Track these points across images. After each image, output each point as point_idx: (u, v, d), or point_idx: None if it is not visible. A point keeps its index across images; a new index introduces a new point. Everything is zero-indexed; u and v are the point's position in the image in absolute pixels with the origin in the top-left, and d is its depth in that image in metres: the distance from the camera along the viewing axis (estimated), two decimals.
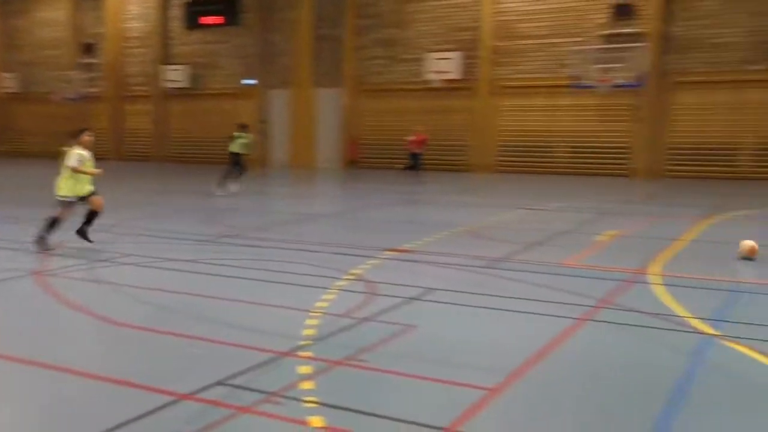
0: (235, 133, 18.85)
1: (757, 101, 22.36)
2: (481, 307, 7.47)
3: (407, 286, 8.19)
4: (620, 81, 23.53)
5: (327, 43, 28.93)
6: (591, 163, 24.66)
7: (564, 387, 5.25)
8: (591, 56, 23.96)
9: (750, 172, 22.39)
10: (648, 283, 8.47)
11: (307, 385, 5.04)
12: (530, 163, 25.63)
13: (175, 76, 32.68)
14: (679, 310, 7.25)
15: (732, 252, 10.34)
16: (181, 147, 32.96)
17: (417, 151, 22.45)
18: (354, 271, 8.87)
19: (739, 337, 6.30)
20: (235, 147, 18.64)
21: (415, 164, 22.39)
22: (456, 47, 26.72)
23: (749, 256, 9.90)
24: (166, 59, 33.00)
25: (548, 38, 25.18)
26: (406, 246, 10.71)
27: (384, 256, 9.93)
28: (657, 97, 23.60)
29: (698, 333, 6.50)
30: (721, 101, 22.89)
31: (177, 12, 32.71)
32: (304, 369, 5.37)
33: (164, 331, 6.40)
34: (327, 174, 27.25)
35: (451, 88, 26.78)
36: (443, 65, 26.70)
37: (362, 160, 28.78)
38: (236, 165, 18.51)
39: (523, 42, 25.63)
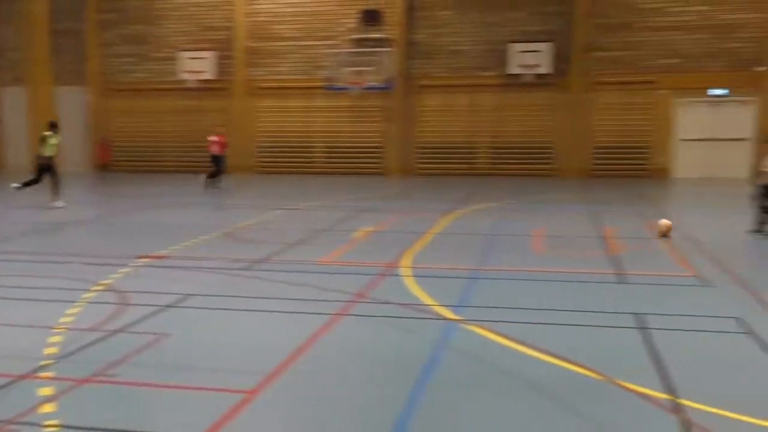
0: (46, 133, 16.06)
1: (490, 104, 24.57)
2: (238, 310, 7.42)
3: (161, 293, 7.89)
4: (371, 83, 24.59)
5: (67, 38, 26.93)
6: (347, 163, 25.51)
7: (320, 382, 5.37)
8: (343, 59, 24.77)
9: (487, 169, 24.54)
10: (399, 275, 8.94)
11: (47, 408, 4.67)
12: (289, 163, 25.90)
13: None
14: (426, 299, 7.75)
15: (473, 241, 11.28)
16: None
17: (219, 153, 20.85)
18: (104, 282, 8.36)
19: (479, 320, 6.88)
20: (47, 150, 15.87)
21: (219, 169, 20.64)
22: (210, 47, 26.23)
23: (666, 234, 11.36)
24: None
25: (302, 40, 25.62)
26: (160, 252, 10.31)
27: (137, 264, 9.48)
28: (405, 100, 25.01)
29: (443, 319, 6.99)
30: (461, 104, 24.84)
31: None
32: (45, 391, 4.96)
33: None
34: (75, 178, 25.35)
35: (206, 88, 26.24)
36: (197, 65, 26.07)
37: (115, 163, 27.21)
38: (48, 170, 15.91)
39: (278, 43, 25.82)
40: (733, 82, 22.78)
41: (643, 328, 6.58)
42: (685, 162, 23.17)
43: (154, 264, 9.54)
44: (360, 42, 25.08)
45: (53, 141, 16.14)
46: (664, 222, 11.77)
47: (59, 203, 15.75)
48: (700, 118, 23.11)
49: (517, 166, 24.26)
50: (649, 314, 7.03)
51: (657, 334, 6.41)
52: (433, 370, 5.58)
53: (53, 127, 16.37)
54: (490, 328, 6.62)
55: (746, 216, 12.71)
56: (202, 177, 20.39)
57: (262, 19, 25.84)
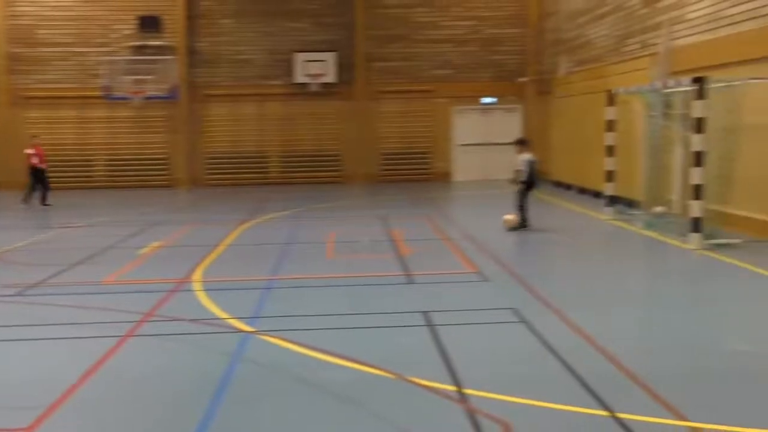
0: None
1: (278, 113, 24.61)
2: (12, 340, 6.80)
3: None
4: (153, 93, 23.62)
5: None
6: (132, 176, 24.28)
7: (107, 410, 5.07)
8: (122, 67, 23.56)
9: (279, 178, 24.54)
10: (190, 290, 8.67)
11: None
12: (66, 178, 24.07)
13: None
14: (219, 312, 7.59)
15: (267, 251, 11.23)
16: None
17: (39, 166, 18.90)
18: None
19: (273, 330, 6.86)
20: None
21: (40, 183, 18.74)
22: None
23: (513, 227, 12.52)
24: None
25: (73, 47, 24.00)
26: None
27: None
28: (190, 109, 24.31)
29: (237, 332, 6.88)
30: (249, 113, 24.62)
31: None
32: None
33: None
34: None
35: None
36: None
37: None
38: None
39: (46, 50, 23.98)
40: (501, 91, 24.67)
41: (430, 326, 6.92)
42: (464, 165, 24.70)
43: None
44: (139, 49, 24.01)
45: None
46: (508, 217, 12.77)
47: None
48: (474, 124, 24.78)
49: (308, 174, 24.50)
50: (436, 311, 7.41)
51: (443, 329, 6.77)
52: (228, 385, 5.47)
53: None
54: (284, 337, 6.62)
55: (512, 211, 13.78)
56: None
57: (25, 22, 23.88)
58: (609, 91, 13.99)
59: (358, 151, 24.59)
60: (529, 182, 12.86)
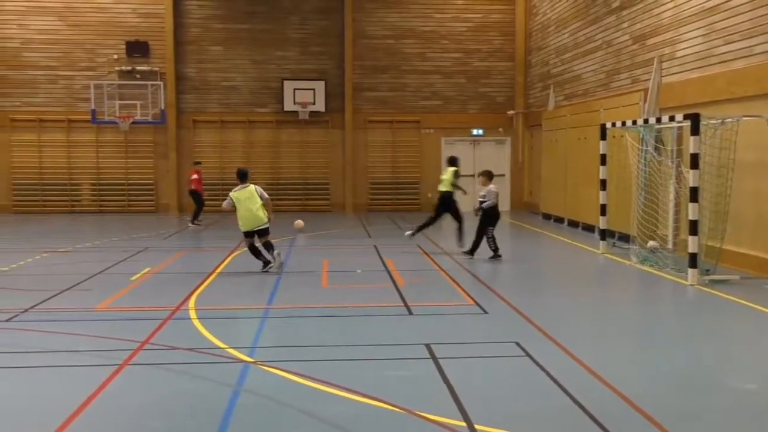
0: None
1: (266, 140, 24.55)
2: (9, 367, 6.62)
3: None
4: (140, 117, 23.51)
5: None
6: (118, 200, 24.07)
7: None
8: (109, 92, 23.46)
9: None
10: (186, 318, 8.53)
11: None
12: (53, 201, 23.86)
13: None
14: (216, 341, 7.45)
15: (260, 279, 11.10)
16: None
17: (197, 189, 19.61)
18: None
19: (274, 361, 6.73)
20: None
21: (198, 204, 19.72)
22: None
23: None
24: None
25: (60, 70, 23.87)
26: None
27: None
28: (177, 134, 24.20)
29: (237, 362, 6.75)
30: (237, 139, 24.54)
31: None
32: None
33: None
34: None
35: None
36: None
37: None
38: None
39: (32, 72, 23.81)
40: (490, 123, 24.84)
41: (435, 358, 6.83)
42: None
43: None
44: (127, 74, 23.94)
45: None
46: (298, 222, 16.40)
47: None
48: (463, 155, 24.84)
49: (296, 202, 24.41)
50: (439, 344, 7.32)
51: (448, 362, 6.68)
52: (232, 417, 5.34)
53: None
54: (285, 368, 6.49)
55: (509, 245, 13.80)
56: None
57: (11, 45, 23.73)
58: (602, 125, 14.09)
59: (346, 180, 24.58)
60: (492, 213, 13.00)
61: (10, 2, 23.58)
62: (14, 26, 23.75)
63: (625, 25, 16.26)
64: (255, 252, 11.91)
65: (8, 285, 10.74)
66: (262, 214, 11.73)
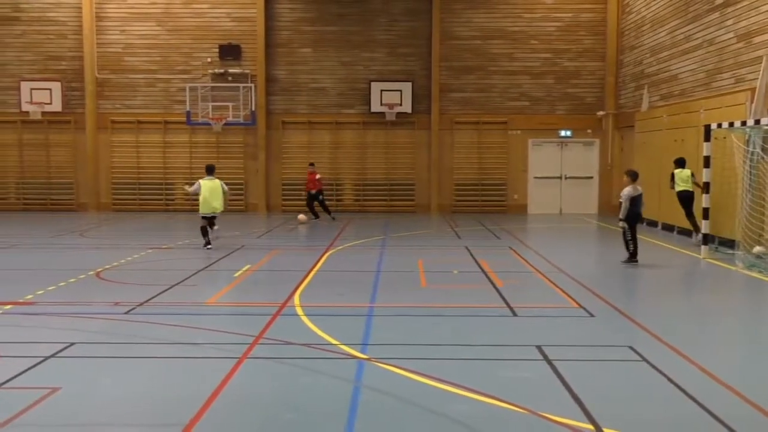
0: None
1: (352, 141, 24.80)
2: (132, 357, 6.92)
3: (40, 342, 7.22)
4: (232, 119, 24.13)
5: None
6: None
7: (246, 429, 5.07)
8: (203, 94, 24.18)
9: (352, 205, 24.65)
10: (293, 315, 8.71)
11: None
12: (148, 200, 24.77)
13: None
14: (327, 338, 7.58)
15: (358, 278, 11.23)
16: None
17: (312, 190, 21.68)
18: None
19: (388, 358, 6.81)
20: None
21: (321, 203, 21.82)
22: (56, 77, 24.71)
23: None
24: None
25: (157, 73, 24.73)
26: (27, 297, 9.44)
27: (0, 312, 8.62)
28: (267, 135, 24.72)
29: (352, 358, 6.85)
30: (324, 140, 24.88)
31: None
32: None
33: None
34: None
35: (52, 120, 24.65)
36: (41, 96, 24.45)
37: None
38: None
39: (132, 76, 24.76)
40: (578, 124, 24.42)
41: (548, 360, 6.77)
42: (538, 198, 24.46)
43: (21, 311, 8.72)
44: (219, 77, 24.62)
45: None
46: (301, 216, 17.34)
47: None
48: (550, 157, 24.56)
49: (382, 203, 24.59)
50: (550, 346, 7.26)
51: (563, 365, 6.62)
52: (358, 412, 5.43)
53: None
54: (400, 365, 6.56)
55: (605, 248, 13.52)
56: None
57: (113, 50, 24.74)
58: (707, 126, 13.64)
59: (431, 181, 24.58)
60: (629, 214, 12.68)
61: (113, 9, 24.58)
62: (117, 32, 24.75)
63: (729, 22, 15.72)
64: (204, 233, 14.46)
65: (122, 279, 11.21)
66: (219, 204, 14.54)
